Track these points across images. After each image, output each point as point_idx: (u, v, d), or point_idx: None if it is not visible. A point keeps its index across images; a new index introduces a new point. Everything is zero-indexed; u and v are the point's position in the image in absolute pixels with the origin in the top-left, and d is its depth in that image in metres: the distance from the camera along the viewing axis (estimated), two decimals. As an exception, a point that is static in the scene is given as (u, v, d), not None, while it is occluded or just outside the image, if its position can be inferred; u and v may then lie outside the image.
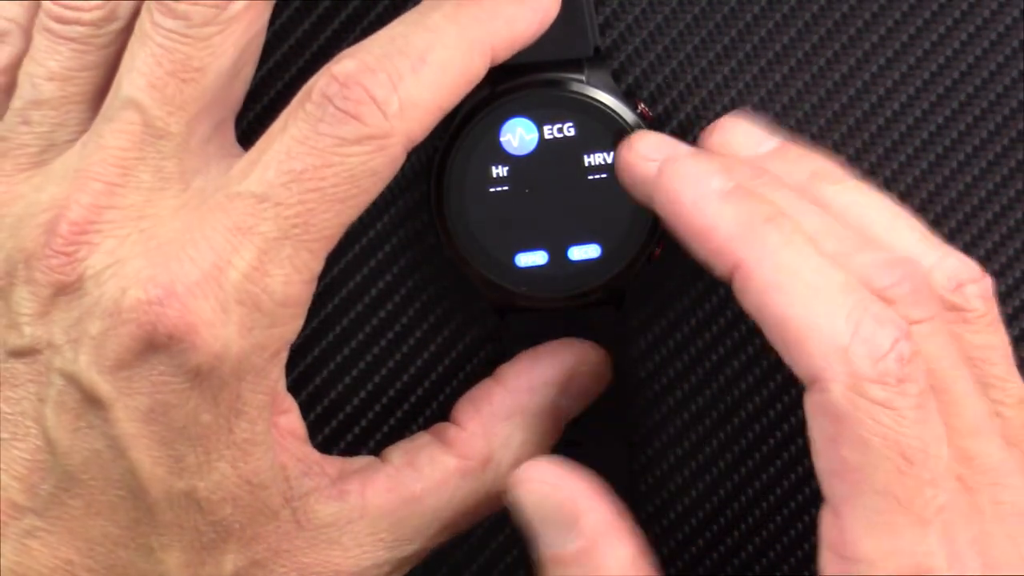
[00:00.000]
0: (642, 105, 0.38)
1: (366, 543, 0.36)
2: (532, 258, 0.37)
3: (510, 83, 0.37)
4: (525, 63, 0.37)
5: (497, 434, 0.37)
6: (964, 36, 0.41)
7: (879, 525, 0.32)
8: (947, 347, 0.34)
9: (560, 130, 0.37)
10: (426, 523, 0.36)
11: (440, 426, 0.38)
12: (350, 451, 0.41)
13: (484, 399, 0.38)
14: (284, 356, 0.35)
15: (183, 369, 0.33)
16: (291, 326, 0.34)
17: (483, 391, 0.38)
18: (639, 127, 0.37)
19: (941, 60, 0.41)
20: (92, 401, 0.33)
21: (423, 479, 0.36)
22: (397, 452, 0.37)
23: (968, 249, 0.41)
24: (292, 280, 0.33)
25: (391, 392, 0.41)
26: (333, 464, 0.36)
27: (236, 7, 0.34)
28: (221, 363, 0.33)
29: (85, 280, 0.34)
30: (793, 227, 0.33)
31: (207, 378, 0.33)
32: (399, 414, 0.41)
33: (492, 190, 0.37)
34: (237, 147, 0.36)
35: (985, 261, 0.41)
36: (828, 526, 0.32)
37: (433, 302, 0.41)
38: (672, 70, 0.41)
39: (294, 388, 0.41)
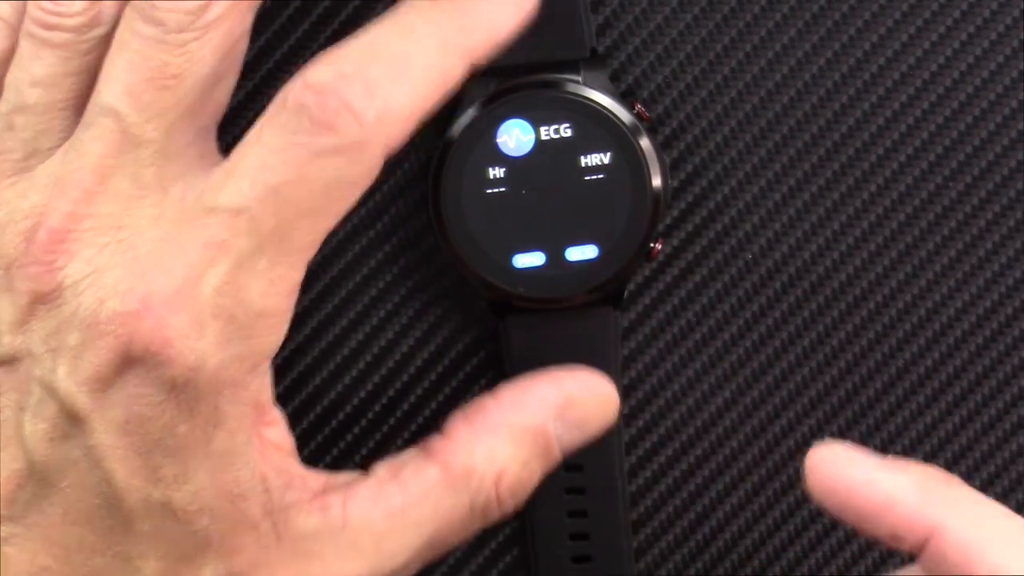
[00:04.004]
0: (639, 105, 0.38)
1: (347, 556, 0.35)
2: (529, 259, 0.37)
3: (507, 84, 0.37)
4: (521, 64, 0.37)
5: (482, 446, 0.36)
6: (964, 36, 0.41)
7: None
8: None
9: (556, 131, 0.37)
10: (410, 537, 0.36)
11: (428, 438, 0.37)
12: (348, 452, 0.41)
13: (475, 411, 0.37)
14: (266, 367, 0.34)
15: (159, 382, 0.33)
16: (271, 338, 0.34)
17: (476, 403, 0.37)
18: (636, 127, 0.37)
19: (941, 60, 0.41)
20: (69, 412, 0.33)
21: (406, 491, 0.36)
22: (383, 466, 0.36)
23: (968, 249, 0.41)
24: (269, 292, 0.33)
25: (390, 392, 0.41)
26: (317, 478, 0.36)
27: (214, 13, 0.34)
28: (197, 376, 0.33)
29: (64, 289, 0.33)
30: (967, 486, 0.33)
31: (183, 391, 0.33)
32: (398, 414, 0.41)
33: (489, 191, 0.37)
34: (218, 155, 0.36)
35: (985, 261, 0.41)
36: None
37: (431, 304, 0.41)
38: (671, 70, 0.41)
39: (289, 390, 0.41)
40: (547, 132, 0.37)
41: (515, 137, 0.37)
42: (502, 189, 0.37)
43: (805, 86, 0.41)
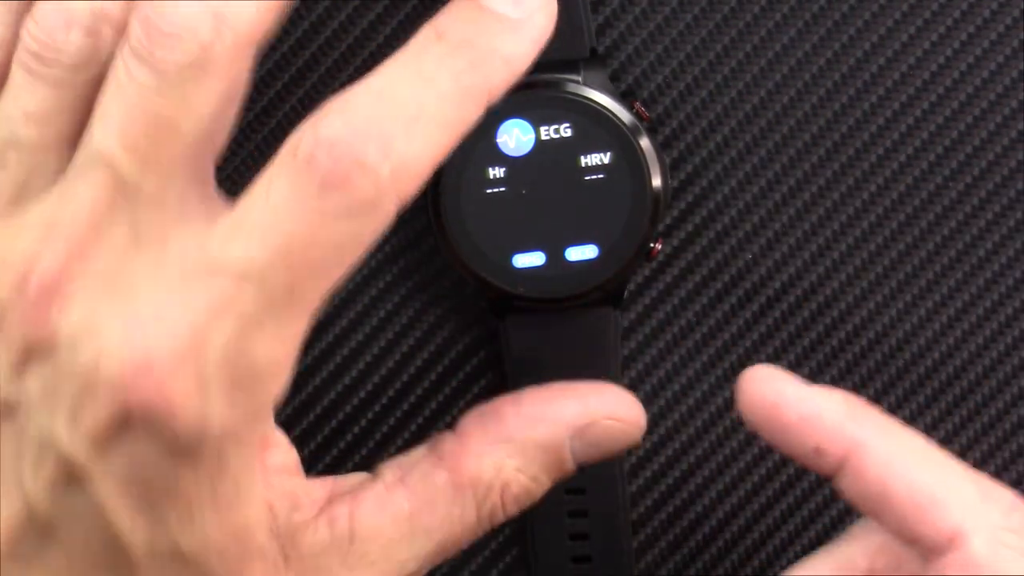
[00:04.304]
0: (639, 105, 0.38)
1: (357, 568, 0.34)
2: (529, 259, 0.37)
3: None
4: None
5: (494, 456, 0.35)
6: (964, 36, 0.41)
7: None
8: None
9: (556, 131, 0.37)
10: (419, 544, 0.35)
11: (439, 436, 0.36)
12: (348, 453, 0.41)
13: (493, 416, 0.36)
14: (271, 413, 0.33)
15: (162, 441, 0.32)
16: (276, 387, 0.33)
17: (495, 407, 0.36)
18: (636, 127, 0.37)
19: (941, 60, 0.41)
20: (69, 466, 0.32)
21: (414, 497, 0.35)
22: (390, 468, 0.36)
23: (968, 250, 0.41)
24: (276, 349, 0.32)
25: (390, 392, 0.41)
26: (323, 487, 0.35)
27: (214, 59, 0.32)
28: (203, 435, 0.32)
29: (59, 341, 0.32)
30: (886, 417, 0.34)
31: (187, 448, 0.32)
32: (398, 414, 0.41)
33: (489, 191, 0.37)
34: (219, 199, 0.34)
35: (985, 261, 0.41)
36: None
37: (431, 304, 0.41)
38: (671, 70, 0.41)
39: (289, 390, 0.41)
40: (547, 132, 0.37)
41: (515, 137, 0.37)
42: (502, 189, 0.37)
43: (805, 86, 0.41)
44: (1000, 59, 0.41)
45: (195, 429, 0.32)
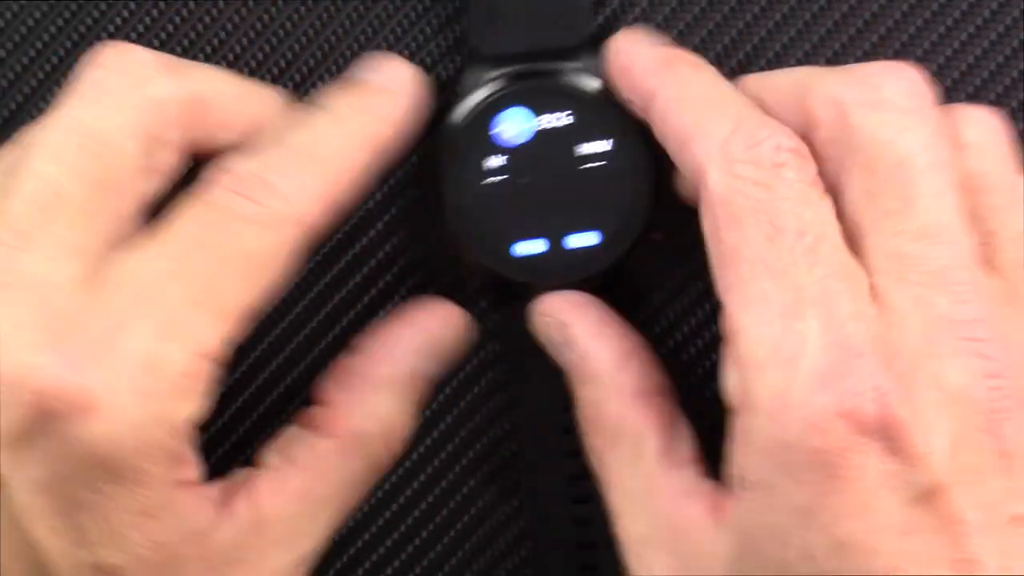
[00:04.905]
0: None
1: (270, 552, 0.35)
2: (530, 247, 0.37)
3: (505, 71, 0.37)
4: (521, 51, 0.37)
5: (365, 405, 0.37)
6: (964, 36, 0.41)
7: (752, 295, 0.32)
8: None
9: (557, 119, 0.37)
10: (323, 514, 0.36)
11: (304, 411, 0.37)
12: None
13: (344, 373, 0.37)
14: (191, 434, 0.33)
15: (76, 440, 0.32)
16: (192, 403, 0.33)
17: (343, 365, 0.37)
18: (634, 115, 0.37)
19: (941, 60, 0.41)
20: None
21: (306, 471, 0.36)
22: (271, 453, 0.36)
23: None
24: (189, 352, 0.32)
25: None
26: (213, 488, 0.35)
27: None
28: (115, 433, 0.32)
29: None
30: (705, 64, 0.36)
31: (102, 449, 0.32)
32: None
33: (488, 181, 0.37)
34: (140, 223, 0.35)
35: (986, 261, 0.41)
36: (720, 323, 0.33)
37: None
38: (672, 69, 0.41)
39: (289, 389, 0.41)
40: (547, 120, 0.37)
41: (515, 126, 0.37)
42: (502, 178, 0.37)
43: (805, 86, 0.41)
44: (1000, 59, 0.41)
45: (108, 425, 0.32)
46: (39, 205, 0.33)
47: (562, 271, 0.37)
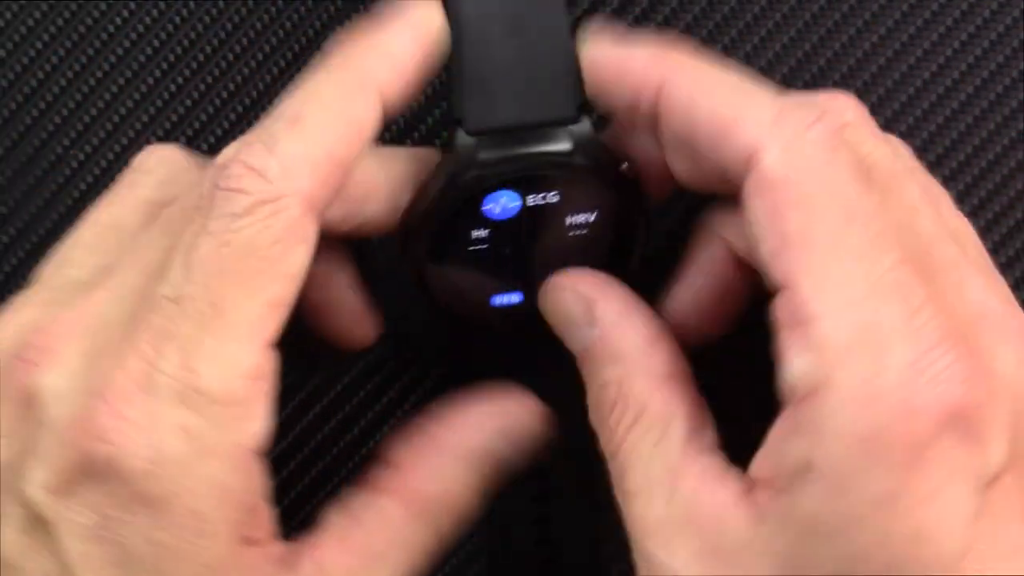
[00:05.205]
0: (626, 164, 0.37)
1: None
2: (507, 299, 0.37)
3: (493, 154, 0.35)
4: (508, 127, 0.35)
5: (435, 470, 0.35)
6: (964, 36, 0.41)
7: (830, 279, 0.31)
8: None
9: (543, 198, 0.36)
10: (384, 575, 0.34)
11: (371, 473, 0.35)
12: (349, 451, 0.41)
13: (419, 436, 0.36)
14: (250, 466, 0.32)
15: (121, 480, 0.31)
16: (242, 429, 0.32)
17: (418, 428, 0.36)
18: (623, 186, 0.36)
19: (941, 60, 0.41)
20: (38, 520, 0.32)
21: (373, 534, 0.34)
22: (334, 512, 0.35)
23: (968, 249, 0.41)
24: (225, 375, 0.31)
25: (391, 393, 0.41)
26: (278, 546, 0.33)
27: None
28: (159, 470, 0.31)
29: (41, 394, 0.32)
30: (697, 49, 0.35)
31: (149, 488, 0.31)
32: (399, 414, 0.41)
33: (472, 249, 0.36)
34: None
35: (985, 261, 0.41)
36: (780, 307, 0.31)
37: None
38: (672, 70, 0.41)
39: (288, 388, 0.41)
40: (534, 199, 0.36)
41: (501, 205, 0.35)
42: (485, 247, 0.36)
43: (805, 86, 0.41)
44: (1000, 59, 0.41)
45: (148, 459, 0.31)
46: None
47: (537, 321, 0.36)
